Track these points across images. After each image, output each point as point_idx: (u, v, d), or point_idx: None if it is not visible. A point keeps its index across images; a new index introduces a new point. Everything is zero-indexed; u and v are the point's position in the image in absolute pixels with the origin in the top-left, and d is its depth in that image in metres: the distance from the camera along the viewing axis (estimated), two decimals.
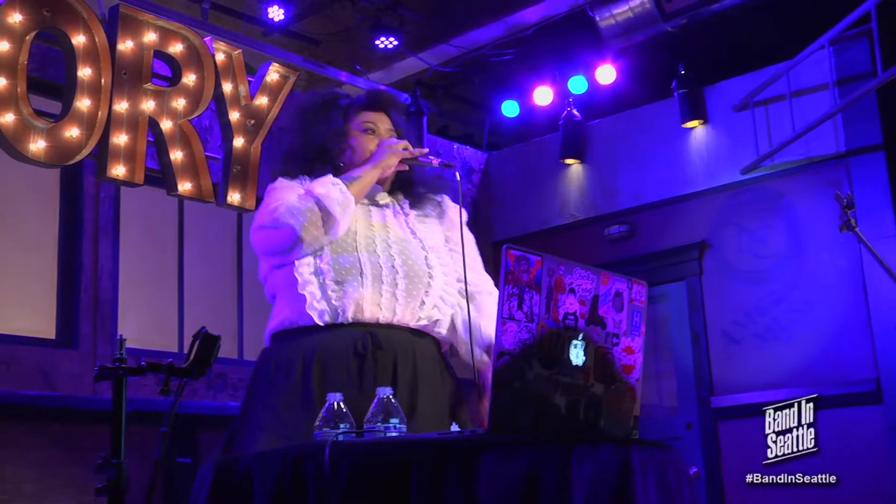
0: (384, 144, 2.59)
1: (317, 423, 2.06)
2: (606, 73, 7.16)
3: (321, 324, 2.39)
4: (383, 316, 2.41)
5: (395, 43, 6.87)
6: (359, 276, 2.40)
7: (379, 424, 2.03)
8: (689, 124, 6.93)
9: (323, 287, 2.40)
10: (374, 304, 2.40)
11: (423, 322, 2.47)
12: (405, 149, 2.59)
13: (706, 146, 6.92)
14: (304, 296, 2.40)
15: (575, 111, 7.41)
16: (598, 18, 6.67)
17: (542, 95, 7.42)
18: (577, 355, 1.96)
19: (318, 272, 2.40)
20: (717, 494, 6.42)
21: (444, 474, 1.73)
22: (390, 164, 2.58)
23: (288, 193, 2.48)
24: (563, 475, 1.74)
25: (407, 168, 2.65)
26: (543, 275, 1.90)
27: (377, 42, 6.86)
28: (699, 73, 6.89)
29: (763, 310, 6.49)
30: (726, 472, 6.46)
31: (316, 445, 1.91)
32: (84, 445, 5.22)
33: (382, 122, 2.68)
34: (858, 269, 6.08)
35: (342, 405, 2.08)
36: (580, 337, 1.97)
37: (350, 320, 2.39)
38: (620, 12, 6.73)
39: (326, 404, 2.08)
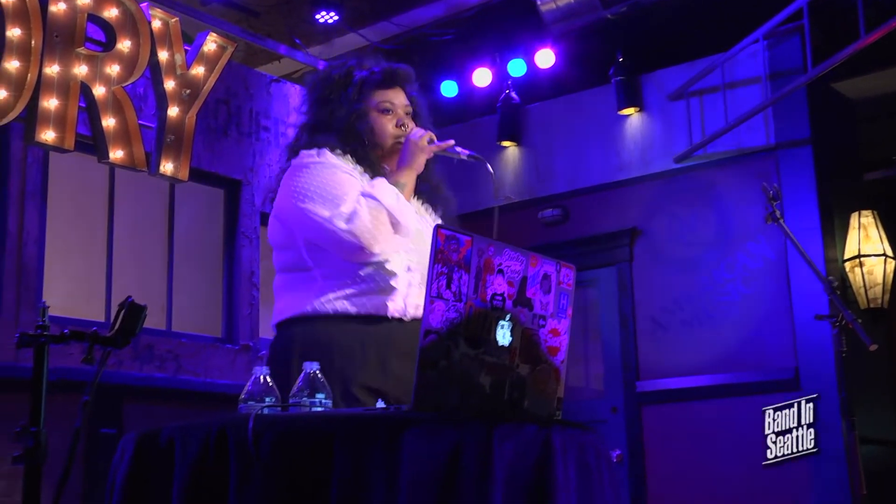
0: (411, 143, 2.57)
1: (242, 396, 2.05)
2: (545, 57, 7.19)
3: (393, 316, 2.46)
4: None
5: (336, 18, 6.80)
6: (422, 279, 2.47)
7: (305, 399, 2.04)
8: (625, 111, 7.00)
9: (409, 284, 2.48)
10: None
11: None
12: (430, 141, 2.59)
13: (641, 134, 7.00)
14: (374, 284, 2.44)
15: (513, 94, 7.44)
16: (539, 2, 6.67)
17: (481, 77, 7.42)
18: (503, 336, 1.98)
19: (408, 269, 2.49)
20: (639, 478, 6.54)
21: (367, 450, 1.74)
22: (423, 162, 2.59)
23: (350, 186, 2.45)
24: (485, 454, 1.76)
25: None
26: (473, 255, 1.92)
27: (317, 16, 6.78)
28: (637, 62, 6.95)
29: (690, 297, 6.60)
30: (649, 456, 6.58)
31: (240, 418, 1.91)
32: (4, 414, 5.10)
33: (398, 98, 2.66)
34: (783, 260, 6.22)
35: (267, 378, 2.08)
36: (507, 318, 1.99)
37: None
38: None
39: (252, 377, 2.08)
